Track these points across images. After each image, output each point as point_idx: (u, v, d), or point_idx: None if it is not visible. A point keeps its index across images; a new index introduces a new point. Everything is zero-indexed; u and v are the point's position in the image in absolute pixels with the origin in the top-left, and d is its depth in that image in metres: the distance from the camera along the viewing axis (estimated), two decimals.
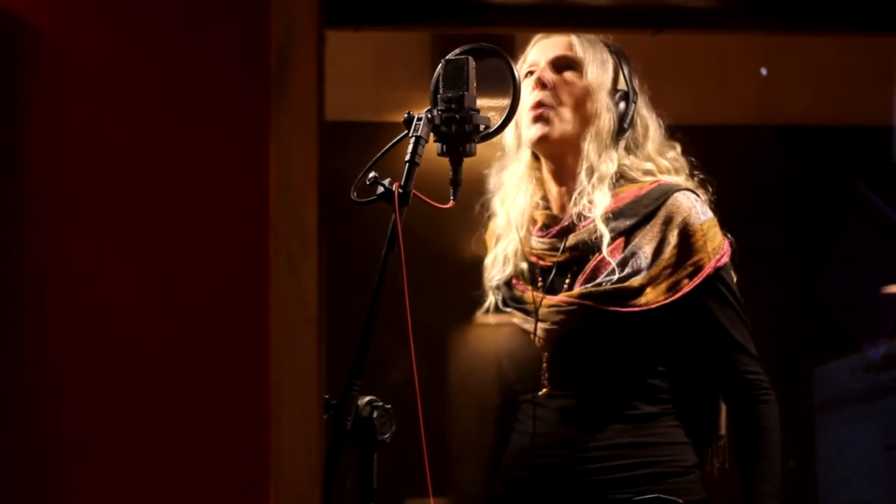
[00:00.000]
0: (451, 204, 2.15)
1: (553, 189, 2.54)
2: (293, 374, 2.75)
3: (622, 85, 2.54)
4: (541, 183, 2.58)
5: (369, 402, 2.02)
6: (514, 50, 3.27)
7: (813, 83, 4.32)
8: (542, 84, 2.48)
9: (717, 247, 2.44)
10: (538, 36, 2.61)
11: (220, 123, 2.80)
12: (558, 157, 2.52)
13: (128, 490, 2.76)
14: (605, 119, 2.49)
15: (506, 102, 2.27)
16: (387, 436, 2.02)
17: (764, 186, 4.42)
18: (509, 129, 2.53)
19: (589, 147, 2.47)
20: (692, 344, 2.45)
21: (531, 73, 2.55)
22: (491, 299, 2.59)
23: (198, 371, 2.78)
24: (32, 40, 2.79)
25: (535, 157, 2.59)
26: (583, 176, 2.47)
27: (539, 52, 2.54)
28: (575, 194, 2.48)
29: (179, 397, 2.78)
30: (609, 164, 2.48)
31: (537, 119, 2.48)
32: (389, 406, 2.03)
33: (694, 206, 2.45)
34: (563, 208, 2.52)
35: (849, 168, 4.40)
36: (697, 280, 2.41)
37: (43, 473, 2.75)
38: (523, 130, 2.52)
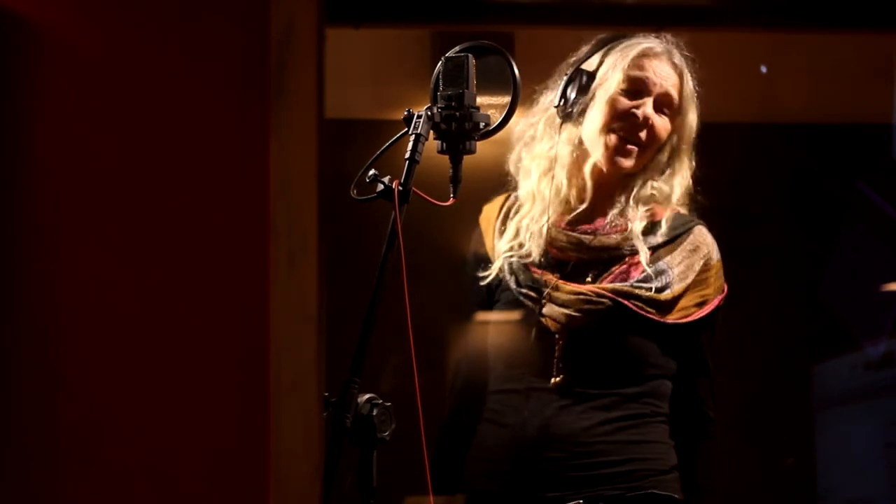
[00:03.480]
0: (451, 201, 2.14)
1: (590, 189, 2.52)
2: (293, 374, 2.75)
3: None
4: (581, 175, 2.55)
5: (369, 400, 2.01)
6: (513, 48, 3.26)
7: (813, 81, 4.31)
8: (644, 119, 2.47)
9: (721, 286, 2.54)
10: (640, 43, 2.52)
11: (219, 122, 2.80)
12: (611, 173, 2.53)
13: (129, 488, 2.75)
14: (669, 158, 2.52)
15: (505, 100, 2.26)
16: (386, 433, 2.01)
17: (764, 184, 4.42)
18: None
19: (646, 176, 2.50)
20: (680, 364, 2.53)
21: (633, 80, 2.48)
22: (499, 264, 2.54)
23: (198, 370, 2.78)
24: (34, 39, 2.78)
25: (581, 143, 2.53)
26: (629, 198, 2.50)
27: (652, 71, 2.50)
28: (614, 210, 2.49)
29: (180, 396, 2.78)
30: (653, 187, 2.52)
31: (625, 153, 2.49)
32: (389, 404, 2.02)
33: (714, 244, 2.55)
34: (596, 210, 2.52)
35: (849, 166, 4.40)
36: (704, 312, 2.50)
37: (44, 472, 2.74)
38: (599, 140, 2.49)
